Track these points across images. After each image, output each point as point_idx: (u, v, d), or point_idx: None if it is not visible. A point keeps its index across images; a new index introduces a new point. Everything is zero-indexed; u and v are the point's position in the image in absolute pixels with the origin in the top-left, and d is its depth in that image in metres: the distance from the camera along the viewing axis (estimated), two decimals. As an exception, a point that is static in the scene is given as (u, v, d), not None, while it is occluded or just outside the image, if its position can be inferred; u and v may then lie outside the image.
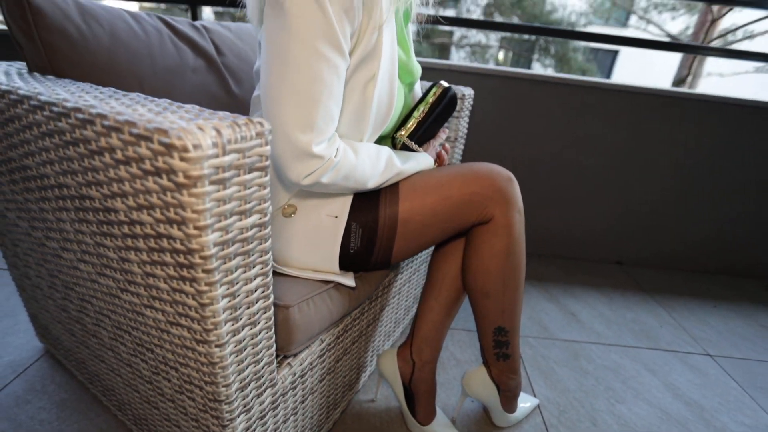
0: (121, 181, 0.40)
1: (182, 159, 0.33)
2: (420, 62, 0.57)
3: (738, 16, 7.71)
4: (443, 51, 8.29)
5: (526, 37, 9.03)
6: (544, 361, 1.08)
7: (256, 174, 0.39)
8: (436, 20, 0.63)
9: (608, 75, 11.44)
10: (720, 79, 8.37)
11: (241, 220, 0.39)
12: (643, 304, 1.42)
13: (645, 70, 10.08)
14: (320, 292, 0.64)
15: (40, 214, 0.61)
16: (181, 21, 0.85)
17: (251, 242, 0.42)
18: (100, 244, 0.50)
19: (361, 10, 0.51)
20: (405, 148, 0.73)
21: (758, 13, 7.27)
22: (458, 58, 8.57)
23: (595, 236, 1.65)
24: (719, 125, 1.46)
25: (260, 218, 0.42)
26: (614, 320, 1.30)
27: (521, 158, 1.52)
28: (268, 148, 0.39)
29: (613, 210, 1.60)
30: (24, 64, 0.73)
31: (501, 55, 9.75)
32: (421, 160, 0.71)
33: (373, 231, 0.66)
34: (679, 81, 7.28)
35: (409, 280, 1.00)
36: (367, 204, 0.67)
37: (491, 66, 1.44)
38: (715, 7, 6.68)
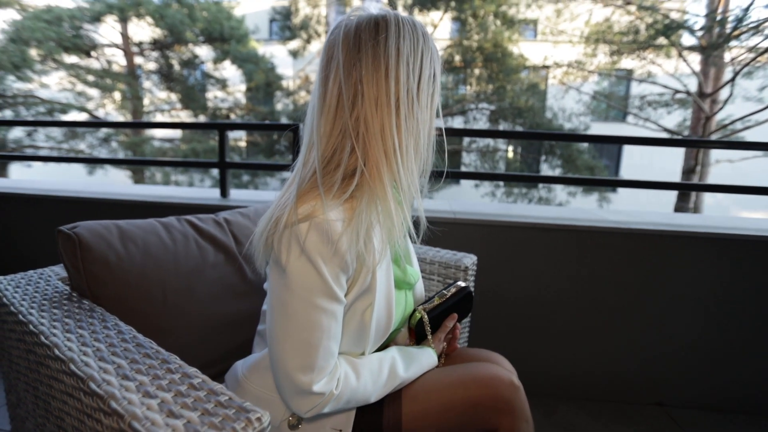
0: (127, 472, 0.42)
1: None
2: (427, 216, 0.60)
3: (733, 107, 8.09)
4: (454, 155, 8.88)
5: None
6: None
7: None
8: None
9: (617, 167, 11.83)
10: (730, 165, 8.47)
11: None
12: (693, 463, 1.26)
13: (652, 160, 10.41)
14: None
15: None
16: (206, 219, 0.96)
17: None
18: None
19: (355, 262, 0.57)
20: (420, 326, 0.76)
21: (755, 105, 7.63)
22: (469, 160, 9.14)
23: (629, 375, 1.54)
24: (734, 261, 1.44)
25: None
26: (663, 490, 1.15)
27: (533, 297, 1.51)
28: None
29: (647, 346, 1.51)
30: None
31: (510, 153, 10.33)
32: (425, 362, 0.72)
33: (377, 445, 0.65)
34: (687, 171, 7.42)
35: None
36: (371, 416, 0.67)
37: (494, 211, 1.53)
38: (707, 105, 7.09)
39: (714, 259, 1.45)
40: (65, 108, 9.04)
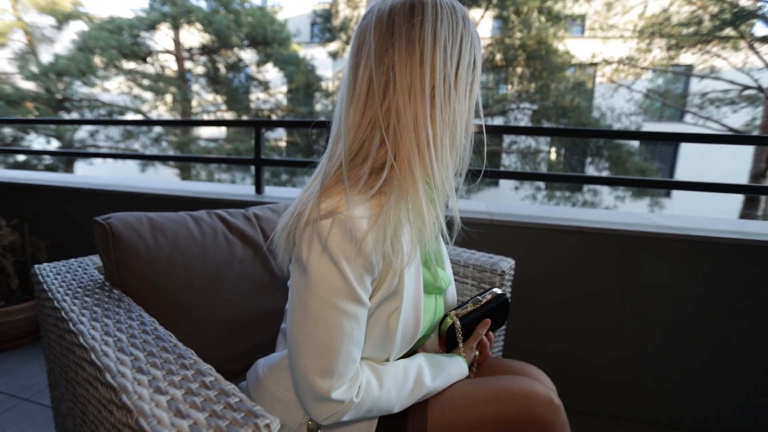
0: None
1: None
2: (462, 217, 0.54)
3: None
4: (493, 156, 8.63)
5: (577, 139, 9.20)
6: None
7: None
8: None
9: (671, 170, 10.98)
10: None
11: None
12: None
13: (712, 163, 9.56)
14: None
15: (82, 417, 0.64)
16: (236, 214, 0.96)
17: None
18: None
19: (381, 263, 0.53)
20: (451, 333, 0.71)
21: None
22: (509, 161, 8.84)
23: (686, 399, 1.39)
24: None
25: None
26: None
27: (576, 307, 1.40)
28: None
29: (708, 369, 1.35)
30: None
31: (553, 155, 9.90)
32: (454, 372, 0.67)
33: (399, 458, 0.61)
34: (757, 175, 6.75)
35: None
36: (394, 427, 0.62)
37: (534, 213, 1.43)
38: (781, 103, 6.41)
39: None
40: (123, 110, 9.73)
